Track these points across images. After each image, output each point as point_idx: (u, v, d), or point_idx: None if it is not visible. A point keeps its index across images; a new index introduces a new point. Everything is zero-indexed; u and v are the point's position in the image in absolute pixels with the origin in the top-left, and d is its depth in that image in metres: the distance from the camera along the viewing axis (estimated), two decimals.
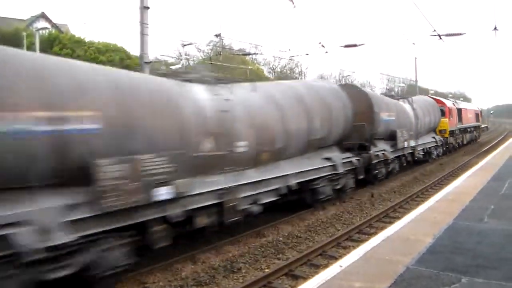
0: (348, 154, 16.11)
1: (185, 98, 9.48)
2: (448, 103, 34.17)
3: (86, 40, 37.33)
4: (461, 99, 63.80)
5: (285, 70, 69.66)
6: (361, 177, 16.89)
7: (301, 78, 62.44)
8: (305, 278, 8.11)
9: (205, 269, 9.18)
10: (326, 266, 8.65)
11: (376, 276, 6.10)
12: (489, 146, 41.75)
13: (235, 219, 10.29)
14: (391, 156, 19.85)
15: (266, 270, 9.10)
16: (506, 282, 5.73)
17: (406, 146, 21.59)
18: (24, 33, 30.87)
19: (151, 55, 18.00)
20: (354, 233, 11.89)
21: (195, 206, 9.19)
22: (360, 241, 10.64)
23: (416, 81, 50.69)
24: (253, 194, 11.04)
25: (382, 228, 11.01)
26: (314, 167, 13.79)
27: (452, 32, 21.06)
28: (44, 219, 6.58)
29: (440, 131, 30.95)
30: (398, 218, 12.09)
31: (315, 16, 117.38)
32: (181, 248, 9.88)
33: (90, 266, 7.36)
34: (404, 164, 22.58)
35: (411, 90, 56.58)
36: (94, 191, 7.15)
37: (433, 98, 31.83)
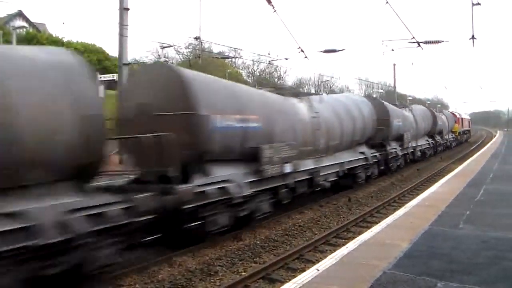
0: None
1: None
2: (457, 114, 55.65)
3: (65, 40, 36.87)
4: (439, 106, 69.83)
5: (264, 74, 69.84)
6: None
7: (280, 83, 62.62)
8: (282, 282, 8.08)
9: (181, 272, 9.09)
10: (303, 269, 8.64)
11: (353, 280, 6.12)
12: (468, 150, 44.36)
13: None
14: (442, 141, 39.31)
15: (243, 273, 9.05)
16: (480, 286, 5.80)
17: (446, 137, 42.19)
18: (1, 31, 30.32)
19: (130, 56, 17.85)
20: (331, 237, 11.90)
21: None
22: (337, 245, 10.65)
23: (394, 87, 51.19)
24: None
25: (359, 233, 11.07)
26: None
27: (431, 39, 21.29)
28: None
29: (453, 132, 48.62)
30: (375, 222, 12.16)
31: (295, 21, 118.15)
32: (158, 251, 9.79)
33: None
34: (448, 145, 44.25)
35: (389, 96, 57.28)
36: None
37: (449, 112, 54.24)
